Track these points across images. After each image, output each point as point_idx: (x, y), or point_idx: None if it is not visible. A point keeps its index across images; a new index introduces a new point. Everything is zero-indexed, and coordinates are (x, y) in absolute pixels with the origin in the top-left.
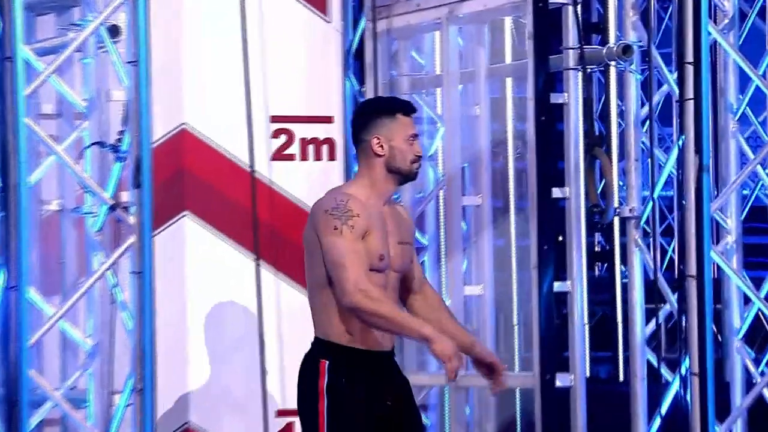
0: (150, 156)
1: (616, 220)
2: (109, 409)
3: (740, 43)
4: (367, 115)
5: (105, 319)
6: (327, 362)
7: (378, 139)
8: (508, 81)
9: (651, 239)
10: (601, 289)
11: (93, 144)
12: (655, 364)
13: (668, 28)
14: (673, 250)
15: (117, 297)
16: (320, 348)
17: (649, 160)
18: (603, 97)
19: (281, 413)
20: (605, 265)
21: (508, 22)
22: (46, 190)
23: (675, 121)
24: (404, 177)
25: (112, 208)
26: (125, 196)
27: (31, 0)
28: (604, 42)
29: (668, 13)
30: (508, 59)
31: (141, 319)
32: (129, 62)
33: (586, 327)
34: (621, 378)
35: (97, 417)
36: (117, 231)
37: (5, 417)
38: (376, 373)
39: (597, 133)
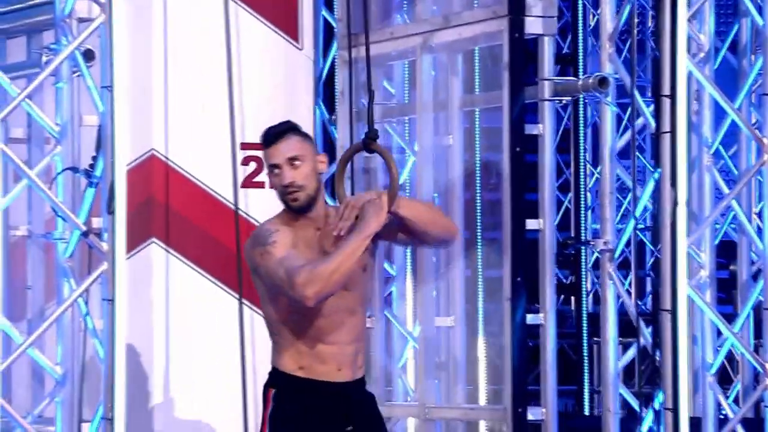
0: (124, 182)
1: (583, 253)
2: None
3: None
4: None
5: (74, 346)
6: (273, 391)
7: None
8: (477, 111)
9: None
10: (559, 323)
11: (66, 169)
12: (626, 398)
13: (640, 61)
14: (630, 284)
15: (88, 325)
16: (270, 376)
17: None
18: (560, 128)
19: None
20: (560, 298)
21: (476, 52)
22: (13, 215)
23: (633, 155)
24: (291, 210)
25: (85, 234)
26: (96, 222)
27: (3, 24)
28: (574, 74)
29: (628, 47)
30: (477, 89)
31: (112, 347)
32: (104, 87)
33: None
34: (587, 412)
35: None
36: (87, 257)
37: None
38: (324, 404)
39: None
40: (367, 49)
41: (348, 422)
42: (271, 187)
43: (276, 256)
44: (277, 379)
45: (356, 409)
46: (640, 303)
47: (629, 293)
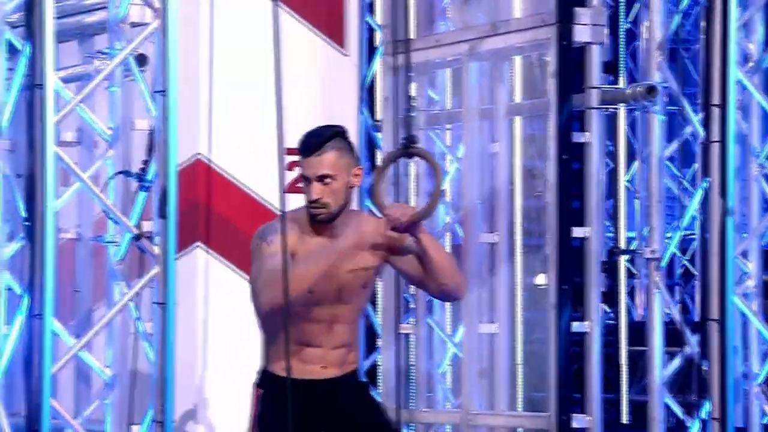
0: (176, 186)
1: (622, 261)
2: None
3: None
4: None
5: (123, 349)
6: (261, 391)
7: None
8: (517, 120)
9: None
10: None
11: (119, 173)
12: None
13: (687, 69)
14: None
15: (138, 328)
16: (259, 375)
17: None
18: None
19: None
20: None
21: (518, 60)
22: (61, 219)
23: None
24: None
25: (137, 237)
26: (146, 226)
27: (56, 27)
28: (615, 81)
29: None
30: (518, 98)
31: (163, 350)
32: (157, 91)
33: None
34: (624, 420)
35: None
36: (138, 261)
37: None
38: (311, 403)
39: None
40: (408, 54)
41: (332, 413)
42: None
43: (263, 255)
44: (264, 379)
45: (342, 399)
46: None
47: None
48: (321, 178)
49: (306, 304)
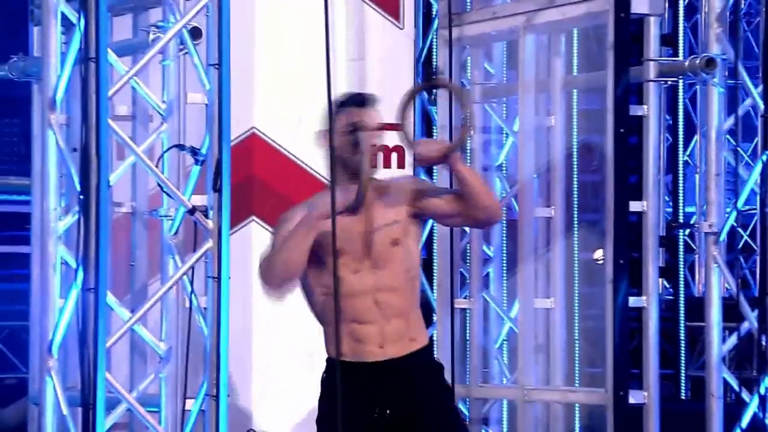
0: (230, 160)
1: (681, 236)
2: (181, 414)
3: None
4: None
5: (178, 323)
6: (324, 375)
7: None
8: (575, 92)
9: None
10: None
11: (173, 147)
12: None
13: (749, 41)
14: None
15: (193, 302)
16: (326, 362)
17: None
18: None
19: None
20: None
21: (575, 33)
22: (116, 192)
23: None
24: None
25: (191, 211)
26: (200, 200)
27: (110, 2)
28: (674, 54)
29: (750, 27)
30: (576, 70)
31: (217, 325)
32: (211, 65)
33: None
34: (683, 396)
35: (168, 421)
36: (192, 235)
37: (81, 419)
38: (368, 385)
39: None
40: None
41: (394, 398)
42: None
43: (279, 232)
44: (327, 365)
45: (405, 384)
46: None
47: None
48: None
49: (339, 269)
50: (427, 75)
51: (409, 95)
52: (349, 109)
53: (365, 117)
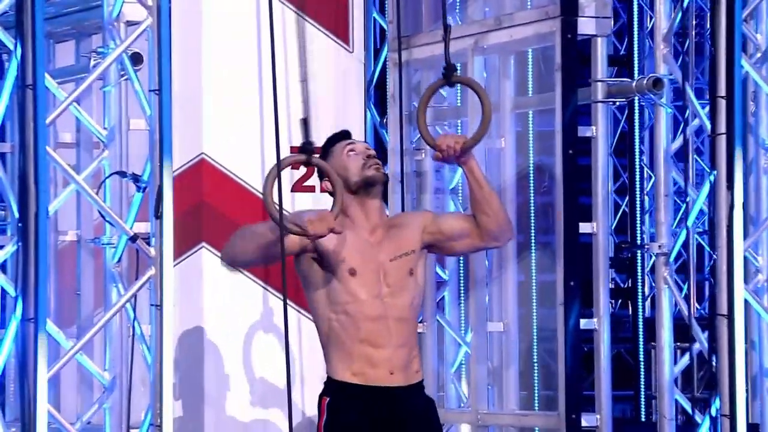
0: (171, 186)
1: (639, 257)
2: None
3: None
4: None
5: (123, 352)
6: (327, 399)
7: (323, 185)
8: (530, 114)
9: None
10: (616, 327)
11: (114, 174)
12: (683, 404)
13: (699, 62)
14: (688, 288)
15: (136, 330)
16: (325, 385)
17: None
18: (617, 131)
19: None
20: (618, 302)
21: (530, 54)
22: (62, 221)
23: (691, 157)
24: (366, 187)
25: (132, 239)
26: (144, 227)
27: (52, 28)
28: (625, 75)
29: (685, 48)
30: (531, 92)
31: (160, 353)
32: (152, 90)
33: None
34: (643, 418)
35: None
36: (136, 262)
37: None
38: (378, 410)
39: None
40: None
41: (401, 428)
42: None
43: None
44: (330, 387)
45: (410, 415)
46: (699, 308)
47: (687, 298)
48: (368, 149)
49: (353, 292)
50: (445, 72)
51: (428, 93)
52: (343, 142)
53: (355, 143)
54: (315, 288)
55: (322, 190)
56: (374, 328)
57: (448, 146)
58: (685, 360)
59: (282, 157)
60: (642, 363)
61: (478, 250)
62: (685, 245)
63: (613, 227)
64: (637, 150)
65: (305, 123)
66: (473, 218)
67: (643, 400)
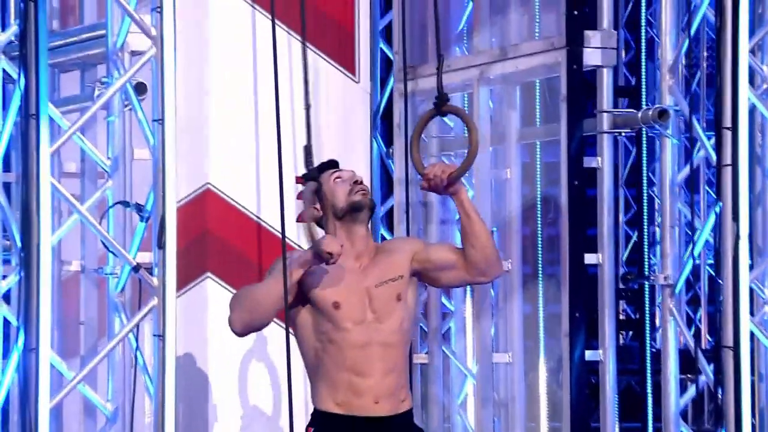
0: (174, 216)
1: (646, 288)
2: None
3: None
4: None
5: (126, 382)
6: (312, 430)
7: (309, 210)
8: (538, 145)
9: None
10: (626, 358)
11: (117, 203)
12: None
13: (698, 94)
14: (700, 320)
15: (139, 361)
16: (311, 416)
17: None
18: (629, 162)
19: None
20: (629, 333)
21: (537, 84)
22: (66, 250)
23: (702, 188)
24: (352, 212)
25: (135, 269)
26: (148, 257)
27: (57, 58)
28: (632, 106)
29: (696, 79)
30: (538, 123)
31: (162, 383)
32: (155, 120)
33: (616, 397)
34: None
35: None
36: (140, 292)
37: None
38: None
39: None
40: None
41: None
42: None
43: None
44: (315, 418)
45: None
46: (711, 340)
47: (698, 330)
48: (354, 176)
49: (337, 322)
50: (436, 102)
51: (421, 123)
52: (332, 170)
53: (343, 171)
54: (302, 322)
55: (299, 220)
56: (360, 356)
57: (435, 175)
58: (691, 392)
59: (285, 183)
60: (651, 395)
61: (466, 284)
62: (697, 277)
63: (625, 258)
64: (645, 180)
65: (307, 150)
66: (463, 251)
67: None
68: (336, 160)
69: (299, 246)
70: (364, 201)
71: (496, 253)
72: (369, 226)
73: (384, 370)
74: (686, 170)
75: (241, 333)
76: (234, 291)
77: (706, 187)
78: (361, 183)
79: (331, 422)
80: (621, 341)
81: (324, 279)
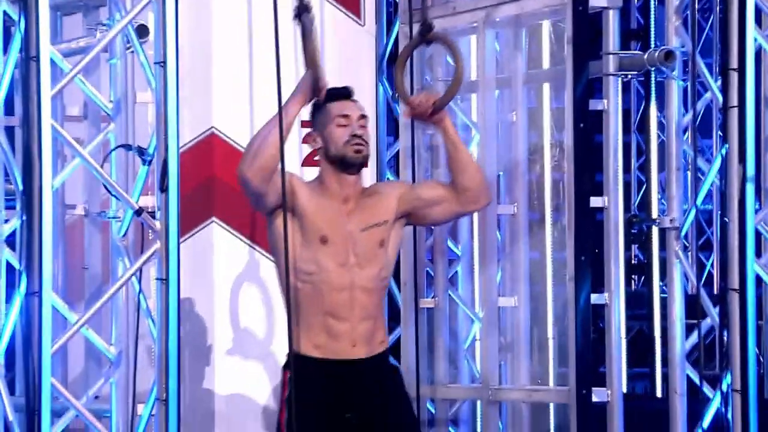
0: (177, 160)
1: (655, 232)
2: (133, 419)
3: None
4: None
5: (129, 326)
6: (288, 374)
7: (310, 135)
8: (545, 87)
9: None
10: (637, 304)
11: (118, 147)
12: (695, 380)
13: (710, 37)
14: (712, 265)
15: (142, 304)
16: (287, 357)
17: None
18: (641, 107)
19: None
20: (642, 278)
21: (546, 26)
22: (71, 195)
23: (715, 132)
24: (343, 163)
25: (138, 212)
26: (151, 201)
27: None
28: (644, 49)
29: (709, 23)
30: (546, 65)
31: (166, 327)
32: (157, 63)
33: (623, 341)
34: (659, 394)
35: (119, 427)
36: (143, 236)
37: (26, 426)
38: (340, 384)
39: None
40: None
41: (363, 401)
42: (320, 144)
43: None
44: (291, 361)
45: (374, 385)
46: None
47: (711, 275)
48: (361, 118)
49: (320, 262)
50: (421, 29)
51: (407, 50)
52: (338, 101)
53: (351, 108)
54: (284, 254)
55: (323, 142)
56: (339, 299)
57: (420, 102)
58: (696, 336)
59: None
60: (659, 339)
61: (457, 216)
62: (710, 222)
63: (636, 204)
64: (653, 124)
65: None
66: (450, 184)
67: (658, 376)
68: (349, 90)
69: None
70: (355, 158)
71: (485, 179)
72: (361, 173)
73: (361, 315)
74: (691, 113)
75: (252, 178)
76: (240, 236)
77: (719, 132)
78: (361, 136)
79: (308, 365)
80: (633, 286)
81: (318, 211)
